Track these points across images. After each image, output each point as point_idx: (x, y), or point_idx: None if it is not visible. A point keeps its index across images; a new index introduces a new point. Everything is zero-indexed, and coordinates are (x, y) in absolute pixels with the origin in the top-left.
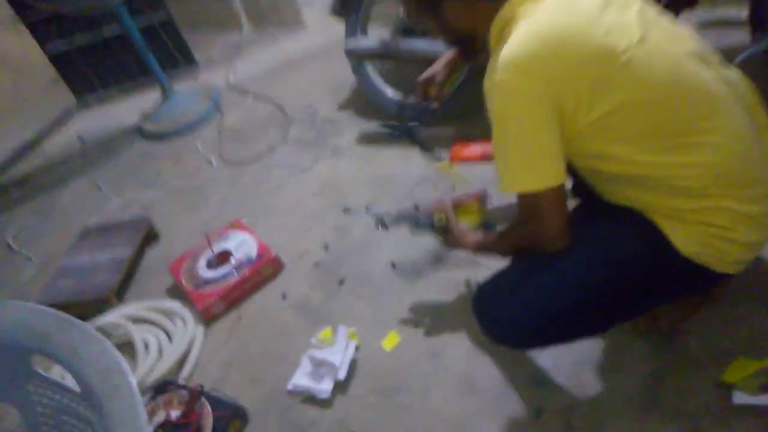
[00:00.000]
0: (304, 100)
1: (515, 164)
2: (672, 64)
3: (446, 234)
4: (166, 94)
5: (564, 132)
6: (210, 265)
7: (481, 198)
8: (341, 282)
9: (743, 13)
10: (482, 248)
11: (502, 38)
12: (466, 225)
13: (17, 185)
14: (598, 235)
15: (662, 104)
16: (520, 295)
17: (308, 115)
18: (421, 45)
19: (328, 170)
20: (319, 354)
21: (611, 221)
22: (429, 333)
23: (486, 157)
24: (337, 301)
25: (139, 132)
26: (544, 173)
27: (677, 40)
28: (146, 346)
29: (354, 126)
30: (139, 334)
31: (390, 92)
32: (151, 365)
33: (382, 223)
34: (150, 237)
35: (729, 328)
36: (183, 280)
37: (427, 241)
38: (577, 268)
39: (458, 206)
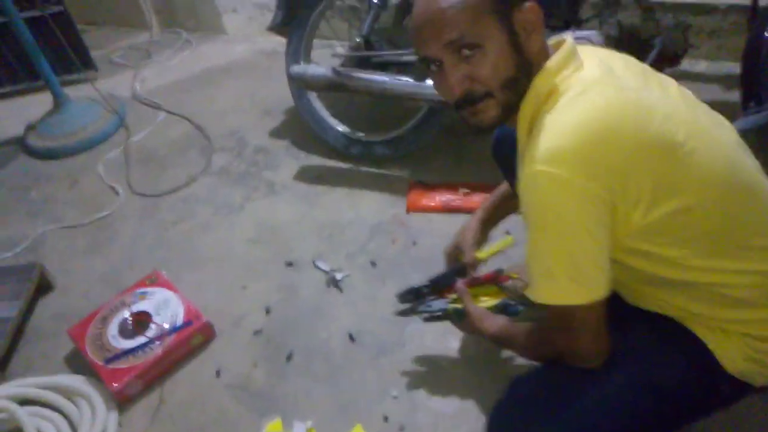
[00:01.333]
0: (228, 123)
1: (555, 272)
2: (729, 157)
3: (462, 319)
4: (58, 101)
5: (611, 233)
6: (124, 332)
7: (498, 278)
8: (289, 357)
9: (700, 65)
10: (502, 338)
11: (539, 115)
12: (483, 308)
13: None
14: (639, 350)
15: (724, 203)
16: (555, 420)
17: (235, 142)
18: (382, 78)
19: (264, 212)
20: None
21: (649, 333)
22: None
23: (448, 209)
24: (285, 382)
25: (24, 146)
26: (587, 286)
27: (721, 126)
28: None
29: (291, 159)
30: (31, 421)
31: (339, 126)
32: None
33: (334, 282)
34: (42, 287)
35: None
36: (89, 351)
37: (387, 308)
38: (622, 393)
39: (473, 287)
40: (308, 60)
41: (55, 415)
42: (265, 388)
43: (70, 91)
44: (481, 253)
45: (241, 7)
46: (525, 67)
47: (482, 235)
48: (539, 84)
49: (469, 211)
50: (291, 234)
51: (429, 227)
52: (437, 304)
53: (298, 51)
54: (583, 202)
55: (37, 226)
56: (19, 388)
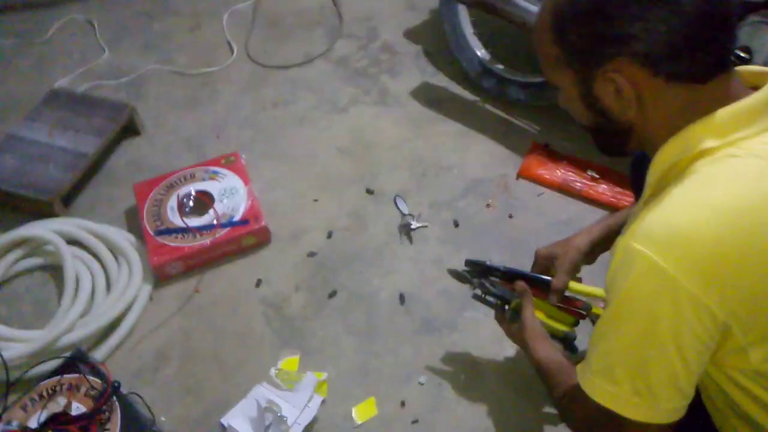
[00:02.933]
0: (368, 5)
1: (618, 375)
2: None
3: (514, 320)
4: None
5: (715, 357)
6: (182, 207)
7: (582, 312)
8: (332, 294)
9: None
10: (544, 368)
11: (675, 175)
12: (542, 326)
13: None
14: None
15: None
16: None
17: (366, 30)
18: None
19: (366, 121)
20: (272, 396)
21: None
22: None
23: (566, 188)
24: (319, 319)
25: None
26: (653, 405)
27: None
28: (77, 283)
29: (416, 69)
30: (72, 263)
31: (478, 49)
32: (73, 320)
33: (407, 228)
34: (128, 129)
35: None
36: (144, 215)
37: (452, 280)
38: None
39: (542, 300)
40: None
41: (96, 266)
42: (297, 318)
43: None
44: (575, 286)
45: None
46: (617, 125)
47: (589, 258)
48: (688, 135)
49: (589, 200)
50: (384, 157)
51: (535, 203)
52: (499, 289)
53: None
54: (686, 312)
55: (147, 61)
56: (72, 228)
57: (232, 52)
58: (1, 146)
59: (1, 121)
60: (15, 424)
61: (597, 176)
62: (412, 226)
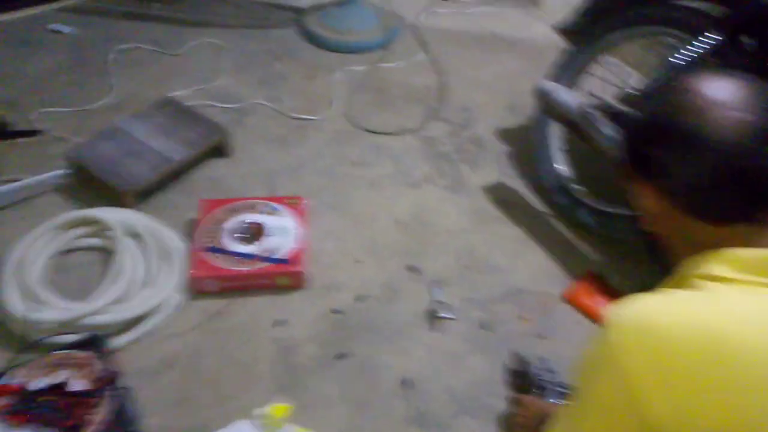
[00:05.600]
0: (470, 97)
1: None
2: None
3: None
4: None
5: None
6: (235, 231)
7: None
8: (341, 356)
9: None
10: None
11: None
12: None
13: None
14: None
15: None
16: None
17: (461, 119)
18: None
19: (432, 202)
20: None
21: None
22: None
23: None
24: (322, 376)
25: (298, 20)
26: None
27: None
28: (121, 271)
29: (495, 168)
30: (124, 254)
31: (558, 164)
32: (105, 303)
33: (433, 315)
34: (217, 150)
35: None
36: (200, 229)
37: (462, 384)
38: None
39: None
40: (576, 81)
41: (141, 260)
42: (300, 368)
43: None
44: None
45: None
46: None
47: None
48: (706, 260)
49: None
50: (436, 240)
51: (570, 331)
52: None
53: (571, 67)
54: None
55: (257, 95)
56: (135, 221)
57: (330, 106)
58: (107, 134)
59: (116, 112)
60: (16, 381)
61: None
62: (440, 315)
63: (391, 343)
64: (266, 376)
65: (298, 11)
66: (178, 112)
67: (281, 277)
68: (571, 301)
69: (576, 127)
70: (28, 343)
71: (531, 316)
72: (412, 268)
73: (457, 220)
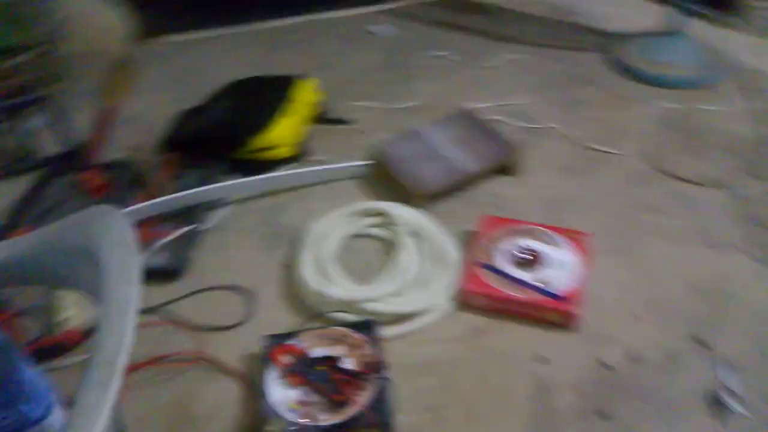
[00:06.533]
0: None
1: None
2: None
3: None
4: (674, 27)
5: None
6: (513, 256)
7: None
8: (602, 415)
9: None
10: None
11: None
12: None
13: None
14: None
15: None
16: None
17: None
18: None
19: (736, 273)
20: None
21: None
22: None
23: None
24: (577, 430)
25: (608, 43)
26: None
27: None
28: (400, 267)
29: None
30: (407, 252)
31: None
32: (384, 293)
33: (719, 401)
34: (505, 168)
35: None
36: (479, 245)
37: None
38: None
39: None
40: None
41: (416, 258)
42: (558, 414)
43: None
44: None
45: None
46: None
47: None
48: None
49: None
50: (736, 317)
51: None
52: None
53: None
54: None
55: (552, 118)
56: (421, 221)
57: (633, 141)
58: (408, 136)
59: (416, 115)
60: (301, 345)
61: None
62: (727, 404)
63: (661, 418)
64: (521, 410)
65: (607, 36)
66: (474, 125)
67: (551, 313)
68: None
69: None
70: (314, 313)
71: None
72: (699, 340)
73: (766, 300)
